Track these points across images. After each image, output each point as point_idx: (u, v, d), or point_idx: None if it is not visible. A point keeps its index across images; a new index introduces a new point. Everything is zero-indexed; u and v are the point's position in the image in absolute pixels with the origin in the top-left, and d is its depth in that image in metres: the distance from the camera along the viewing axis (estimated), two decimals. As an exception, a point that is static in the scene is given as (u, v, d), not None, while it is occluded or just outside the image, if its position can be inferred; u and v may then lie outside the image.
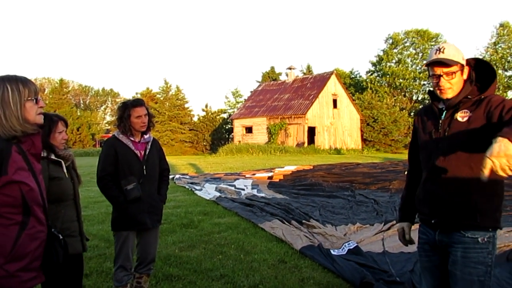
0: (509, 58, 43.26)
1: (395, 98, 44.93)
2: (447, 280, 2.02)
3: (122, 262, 3.20)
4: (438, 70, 1.97)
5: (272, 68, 52.62)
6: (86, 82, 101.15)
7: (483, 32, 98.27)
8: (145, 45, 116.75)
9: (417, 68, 46.30)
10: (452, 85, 1.98)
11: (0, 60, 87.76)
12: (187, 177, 13.13)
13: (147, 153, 3.29)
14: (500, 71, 42.81)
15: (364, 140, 39.88)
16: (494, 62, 42.21)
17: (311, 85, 37.69)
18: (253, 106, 40.08)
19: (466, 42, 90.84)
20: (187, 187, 10.85)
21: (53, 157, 2.52)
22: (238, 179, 12.03)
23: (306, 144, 34.20)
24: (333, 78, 37.75)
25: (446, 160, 1.97)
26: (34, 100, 1.72)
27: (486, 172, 1.53)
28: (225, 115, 49.56)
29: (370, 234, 5.30)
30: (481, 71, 2.05)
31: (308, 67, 52.24)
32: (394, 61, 47.57)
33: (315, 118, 35.64)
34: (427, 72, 2.12)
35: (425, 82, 45.54)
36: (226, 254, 4.66)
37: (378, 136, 38.94)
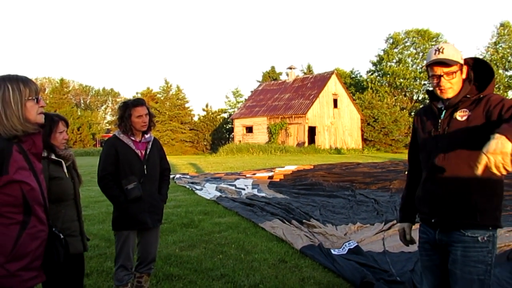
0: (509, 57, 43.25)
1: (395, 97, 44.94)
2: (447, 279, 2.03)
3: (122, 262, 3.20)
4: (439, 70, 1.98)
5: (273, 67, 52.66)
6: (87, 82, 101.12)
7: (484, 32, 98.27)
8: (145, 45, 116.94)
9: (418, 67, 46.29)
10: (452, 85, 1.99)
11: (1, 60, 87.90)
12: (188, 176, 13.13)
13: (147, 152, 3.29)
14: (500, 71, 42.81)
15: (364, 139, 39.88)
16: (494, 62, 42.20)
17: (312, 84, 37.69)
18: (253, 105, 40.08)
19: (466, 42, 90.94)
20: (187, 186, 10.85)
21: (53, 157, 2.53)
22: (238, 178, 12.03)
23: (306, 144, 34.20)
24: (334, 77, 37.75)
25: (446, 159, 1.98)
26: (35, 100, 1.73)
27: (481, 168, 1.53)
28: (225, 115, 49.57)
29: (371, 234, 5.30)
30: (479, 70, 2.06)
31: (309, 67, 52.26)
32: (394, 60, 47.58)
33: (315, 117, 35.64)
34: (426, 73, 2.13)
35: (426, 82, 45.51)
36: (227, 253, 4.66)
37: (379, 136, 38.95)
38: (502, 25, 44.29)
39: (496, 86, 41.18)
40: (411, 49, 47.74)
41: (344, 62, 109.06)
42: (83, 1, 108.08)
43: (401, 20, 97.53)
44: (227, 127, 47.68)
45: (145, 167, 3.24)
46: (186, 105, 48.37)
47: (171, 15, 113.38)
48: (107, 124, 66.68)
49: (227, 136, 47.02)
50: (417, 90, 47.21)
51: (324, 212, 6.90)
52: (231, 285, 3.69)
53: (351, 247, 4.55)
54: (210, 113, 48.08)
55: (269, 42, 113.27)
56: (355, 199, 8.13)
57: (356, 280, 3.61)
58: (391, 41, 48.13)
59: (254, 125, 38.14)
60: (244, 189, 9.88)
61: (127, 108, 3.22)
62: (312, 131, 35.62)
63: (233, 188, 10.04)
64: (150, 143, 3.34)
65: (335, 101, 37.35)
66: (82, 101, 71.49)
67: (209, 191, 9.72)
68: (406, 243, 2.36)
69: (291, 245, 4.90)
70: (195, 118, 49.13)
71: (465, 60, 2.05)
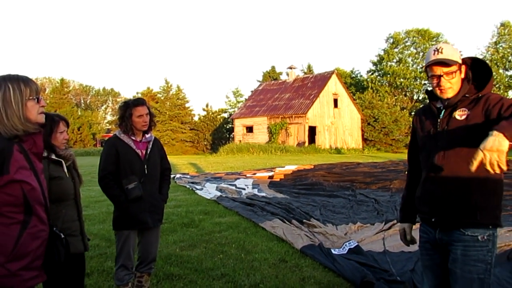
0: (510, 57, 43.22)
1: (396, 97, 44.92)
2: (448, 278, 2.03)
3: (123, 261, 3.20)
4: (438, 70, 1.99)
5: (273, 67, 52.66)
6: (87, 82, 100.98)
7: (484, 32, 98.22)
8: (145, 45, 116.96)
9: (418, 67, 46.28)
10: (452, 85, 2.00)
11: (1, 60, 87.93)
12: (188, 176, 13.13)
13: (148, 152, 3.29)
14: (501, 71, 42.79)
15: (364, 139, 39.88)
16: (495, 62, 42.19)
17: (312, 84, 37.68)
18: (253, 105, 40.08)
19: (467, 42, 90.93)
20: (188, 186, 10.85)
21: (53, 156, 2.53)
22: (238, 178, 12.03)
23: (306, 144, 34.20)
24: (334, 77, 37.74)
25: (446, 158, 1.98)
26: (36, 99, 1.73)
27: (476, 163, 1.54)
28: (225, 115, 49.59)
29: (371, 234, 5.31)
30: (477, 70, 2.07)
31: (309, 67, 52.25)
32: (395, 60, 47.57)
33: (315, 117, 35.64)
34: (426, 73, 2.14)
35: (426, 82, 45.50)
36: (227, 253, 4.67)
37: (379, 136, 38.94)
38: (502, 24, 44.27)
39: (497, 85, 41.20)
40: (412, 48, 47.74)
41: (344, 62, 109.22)
42: (83, 1, 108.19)
43: (401, 19, 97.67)
44: (228, 127, 47.69)
45: (145, 166, 3.24)
46: (187, 105, 48.40)
47: (171, 15, 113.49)
48: (108, 124, 66.69)
49: (228, 136, 47.03)
50: (417, 90, 47.19)
51: (325, 212, 6.90)
52: (231, 285, 3.70)
53: (352, 246, 4.55)
54: (211, 113, 48.10)
55: (269, 42, 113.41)
56: (356, 199, 8.13)
57: (356, 280, 3.61)
58: (391, 40, 48.13)
59: (254, 125, 38.14)
60: (244, 189, 9.88)
61: (127, 107, 3.22)
62: (312, 131, 35.62)
63: (234, 188, 10.04)
64: (151, 143, 3.35)
65: (335, 101, 37.35)
66: (82, 101, 71.50)
67: (209, 191, 9.72)
68: (407, 243, 2.37)
69: (291, 244, 4.90)
70: (196, 118, 49.18)
71: (463, 60, 2.06)
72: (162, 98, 48.14)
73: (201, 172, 15.48)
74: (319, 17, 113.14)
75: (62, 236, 1.92)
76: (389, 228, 5.48)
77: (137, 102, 3.26)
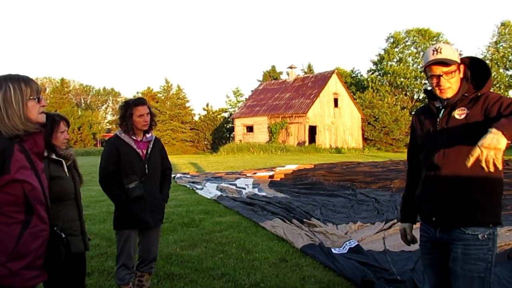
0: (510, 57, 43.20)
1: (396, 97, 44.91)
2: (448, 277, 2.03)
3: (124, 261, 3.21)
4: (438, 70, 1.99)
5: (273, 67, 52.63)
6: (87, 82, 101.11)
7: (484, 31, 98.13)
8: (146, 45, 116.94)
9: (418, 67, 46.26)
10: (451, 84, 2.01)
11: (2, 60, 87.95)
12: (188, 176, 13.14)
13: (149, 152, 3.30)
14: (501, 70, 42.77)
15: (365, 139, 39.87)
16: (495, 61, 42.16)
17: (312, 84, 37.67)
18: (254, 105, 40.08)
19: (467, 41, 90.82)
20: (188, 186, 10.86)
21: (53, 156, 2.53)
22: (239, 178, 12.04)
23: (307, 143, 34.20)
24: (334, 77, 37.73)
25: (445, 157, 1.99)
26: (36, 99, 1.73)
27: (472, 159, 1.55)
28: (226, 114, 49.59)
29: (371, 233, 5.31)
30: (475, 69, 2.08)
31: (309, 66, 52.24)
32: (395, 60, 47.55)
33: (316, 117, 35.64)
34: (425, 73, 2.14)
35: (426, 81, 45.40)
36: (227, 253, 4.67)
37: (379, 135, 38.93)
38: (502, 24, 44.25)
39: (497, 85, 41.17)
40: (412, 48, 47.71)
41: (344, 61, 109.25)
42: (83, 1, 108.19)
43: (401, 19, 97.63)
44: (228, 126, 47.68)
45: (146, 166, 3.25)
46: (187, 105, 48.42)
47: (171, 14, 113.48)
48: (108, 124, 66.68)
49: (228, 135, 47.03)
50: (417, 90, 47.14)
51: (325, 211, 6.91)
52: (232, 284, 3.70)
53: (352, 246, 4.56)
54: (211, 113, 48.10)
55: (269, 41, 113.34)
56: (356, 198, 8.13)
57: (356, 279, 3.61)
58: (391, 40, 48.09)
59: (254, 124, 38.14)
60: (244, 189, 9.88)
61: (128, 107, 3.23)
62: (312, 130, 35.62)
63: (234, 187, 10.05)
64: (152, 143, 3.35)
65: (335, 101, 37.34)
66: (82, 101, 71.50)
67: (209, 191, 9.73)
68: (408, 242, 2.37)
69: (291, 244, 4.91)
70: (196, 118, 49.21)
71: (462, 59, 2.07)
72: (163, 97, 48.17)
73: (202, 171, 15.49)
74: (319, 17, 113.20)
75: (63, 235, 1.92)
76: (390, 227, 5.48)
77: (138, 101, 3.26)
